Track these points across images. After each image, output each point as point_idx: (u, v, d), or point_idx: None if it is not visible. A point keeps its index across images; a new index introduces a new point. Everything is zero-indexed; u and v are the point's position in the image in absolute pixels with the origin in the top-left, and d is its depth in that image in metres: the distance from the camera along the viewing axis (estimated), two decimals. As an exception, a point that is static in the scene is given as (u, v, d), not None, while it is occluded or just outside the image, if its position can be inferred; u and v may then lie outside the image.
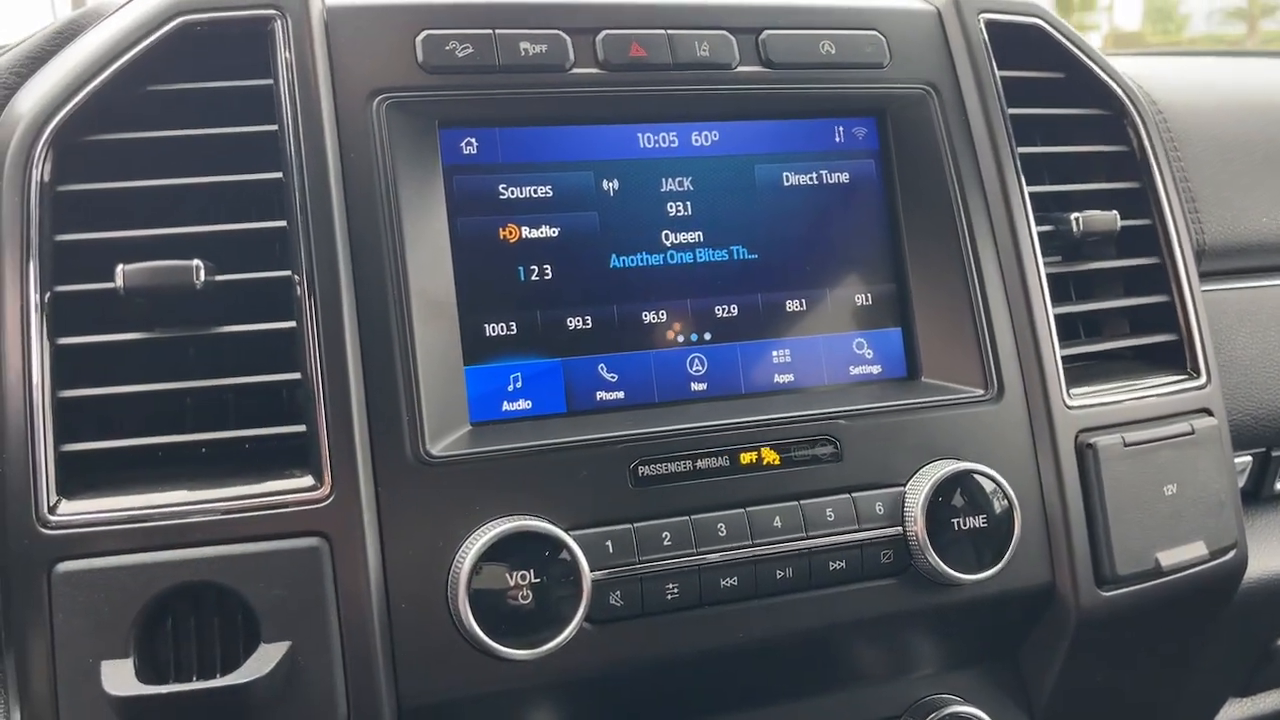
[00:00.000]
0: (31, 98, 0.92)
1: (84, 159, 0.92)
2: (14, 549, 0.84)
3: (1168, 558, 1.10)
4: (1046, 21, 1.20)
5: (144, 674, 0.83)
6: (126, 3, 0.97)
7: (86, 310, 0.90)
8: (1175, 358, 1.19)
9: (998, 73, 1.14)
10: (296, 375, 0.91)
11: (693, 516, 0.95)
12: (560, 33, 1.01)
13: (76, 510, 0.85)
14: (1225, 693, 1.47)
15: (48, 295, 0.88)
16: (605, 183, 1.03)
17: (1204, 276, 1.28)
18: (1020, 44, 1.19)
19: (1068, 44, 1.20)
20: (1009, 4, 1.18)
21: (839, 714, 1.11)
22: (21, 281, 0.87)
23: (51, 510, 0.85)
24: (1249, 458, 1.39)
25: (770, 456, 0.99)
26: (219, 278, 0.91)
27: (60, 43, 0.99)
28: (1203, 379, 1.18)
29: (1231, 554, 1.15)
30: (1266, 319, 1.39)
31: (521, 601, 0.88)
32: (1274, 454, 1.40)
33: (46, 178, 0.89)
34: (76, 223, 0.91)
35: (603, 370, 1.01)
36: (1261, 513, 1.43)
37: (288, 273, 0.92)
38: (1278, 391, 1.37)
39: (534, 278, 1.00)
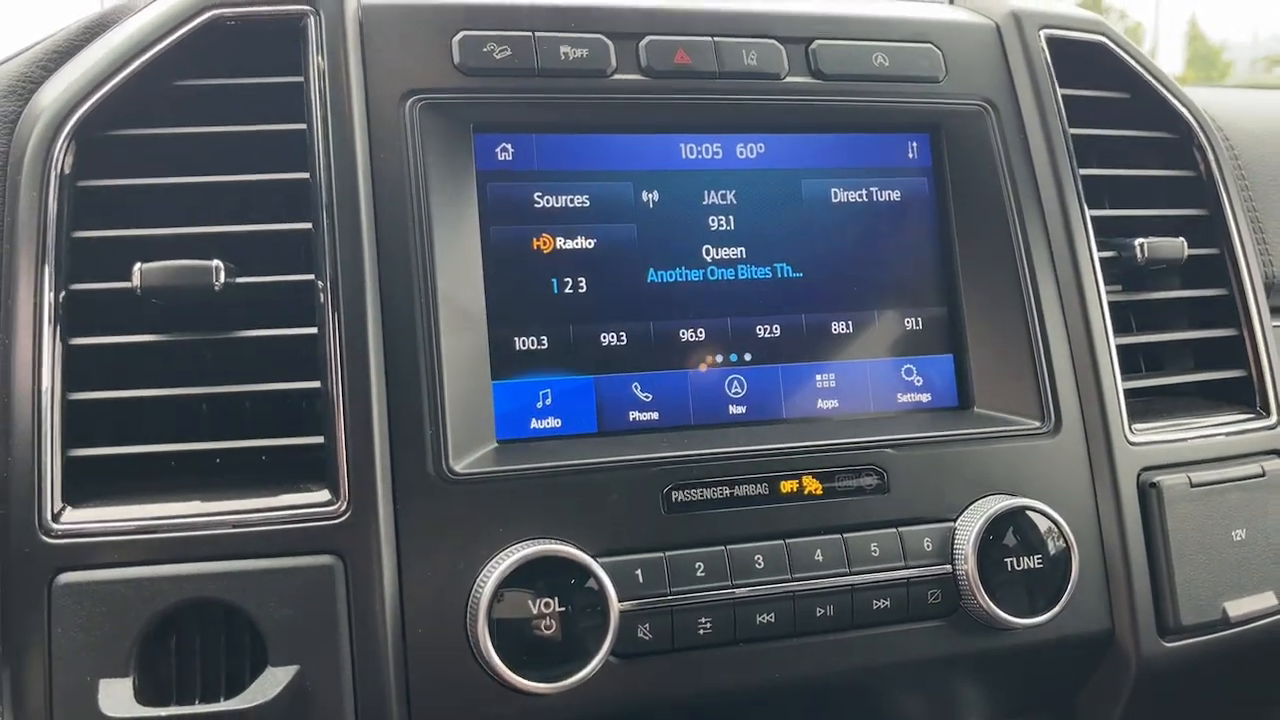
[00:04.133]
0: (55, 91, 0.90)
1: (106, 154, 0.90)
2: (14, 557, 0.81)
3: (1235, 608, 1.04)
4: (1111, 39, 1.15)
5: (144, 694, 0.80)
6: (157, -3, 0.95)
7: (101, 310, 0.87)
8: (1243, 395, 1.14)
9: (1059, 90, 1.10)
10: (316, 384, 0.87)
11: (728, 547, 0.91)
12: (602, 37, 0.98)
13: (81, 519, 0.82)
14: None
15: (62, 293, 0.85)
16: (645, 194, 0.99)
17: (1273, 311, 1.22)
18: (1083, 62, 1.14)
19: (1133, 63, 1.16)
20: (1072, 20, 1.14)
21: (879, 763, 1.05)
22: (36, 278, 0.85)
23: (55, 518, 0.81)
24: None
25: (812, 486, 0.94)
26: (239, 280, 0.88)
27: (88, 37, 0.96)
28: (1273, 418, 1.12)
29: (1304, 606, 1.09)
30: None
31: (544, 631, 0.83)
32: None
33: (67, 171, 0.87)
34: (95, 219, 0.88)
35: (636, 389, 0.97)
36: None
37: (311, 276, 0.89)
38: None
39: (567, 290, 0.96)
